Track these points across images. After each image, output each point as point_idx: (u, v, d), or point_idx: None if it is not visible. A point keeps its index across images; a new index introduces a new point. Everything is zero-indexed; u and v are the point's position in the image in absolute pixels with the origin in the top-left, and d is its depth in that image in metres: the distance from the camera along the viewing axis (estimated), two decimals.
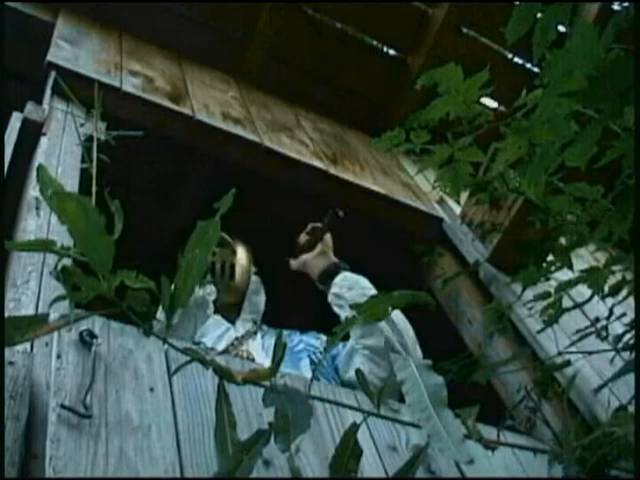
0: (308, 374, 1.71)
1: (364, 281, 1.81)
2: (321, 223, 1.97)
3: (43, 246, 0.78)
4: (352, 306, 0.93)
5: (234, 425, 0.82)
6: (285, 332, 1.92)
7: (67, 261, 0.81)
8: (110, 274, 0.74)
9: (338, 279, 1.81)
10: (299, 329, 1.98)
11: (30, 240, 1.22)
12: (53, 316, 0.81)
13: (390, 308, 0.91)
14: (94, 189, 1.16)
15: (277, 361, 0.84)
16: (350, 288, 1.77)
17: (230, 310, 2.09)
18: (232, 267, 2.13)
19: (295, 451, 0.79)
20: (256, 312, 2.12)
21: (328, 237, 1.97)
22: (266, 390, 0.85)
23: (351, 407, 1.06)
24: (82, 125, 1.73)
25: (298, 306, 2.53)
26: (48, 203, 0.74)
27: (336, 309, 1.80)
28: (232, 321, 2.04)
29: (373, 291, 1.80)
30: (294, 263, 1.98)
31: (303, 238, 1.99)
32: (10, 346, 0.82)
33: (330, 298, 1.80)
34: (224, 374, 0.84)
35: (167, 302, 0.79)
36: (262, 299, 2.16)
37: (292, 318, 2.21)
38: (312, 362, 1.78)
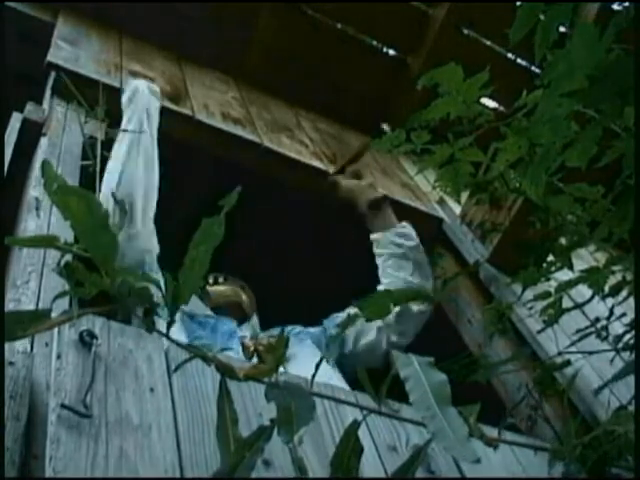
0: (315, 351, 1.78)
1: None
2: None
3: (45, 242, 0.78)
4: (354, 304, 0.93)
5: (236, 422, 0.82)
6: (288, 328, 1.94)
7: (69, 258, 0.81)
8: (113, 270, 0.74)
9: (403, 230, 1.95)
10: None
11: (32, 236, 1.22)
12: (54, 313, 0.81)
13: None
14: (97, 186, 1.16)
15: (278, 357, 0.84)
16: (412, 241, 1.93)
17: (238, 312, 2.05)
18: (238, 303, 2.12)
19: (298, 442, 0.79)
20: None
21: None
22: (268, 385, 0.85)
23: (350, 403, 1.06)
24: (86, 123, 1.73)
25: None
26: (52, 198, 0.74)
27: (386, 252, 1.90)
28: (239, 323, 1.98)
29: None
30: (344, 185, 2.08)
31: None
32: (11, 341, 0.82)
33: (387, 242, 1.92)
34: (226, 370, 0.84)
35: (170, 299, 0.79)
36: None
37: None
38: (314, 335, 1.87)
